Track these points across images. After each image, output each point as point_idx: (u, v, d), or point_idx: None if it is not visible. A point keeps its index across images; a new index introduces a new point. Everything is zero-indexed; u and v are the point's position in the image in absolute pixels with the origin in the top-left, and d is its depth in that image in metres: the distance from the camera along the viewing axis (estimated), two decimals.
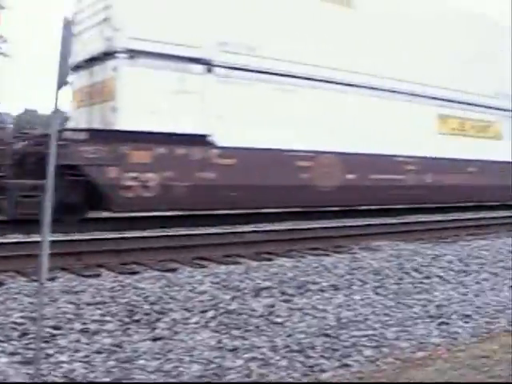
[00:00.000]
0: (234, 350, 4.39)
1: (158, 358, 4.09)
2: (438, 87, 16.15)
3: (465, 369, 4.12)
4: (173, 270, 6.80)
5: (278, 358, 4.32)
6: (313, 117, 13.00)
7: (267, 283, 6.13)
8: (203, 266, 7.12)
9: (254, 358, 4.25)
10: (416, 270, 7.31)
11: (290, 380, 3.97)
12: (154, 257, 7.60)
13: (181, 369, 3.94)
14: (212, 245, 8.31)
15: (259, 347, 4.47)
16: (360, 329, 5.07)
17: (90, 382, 3.71)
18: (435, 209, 15.95)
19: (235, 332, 4.79)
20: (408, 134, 14.86)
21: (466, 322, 5.61)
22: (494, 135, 18.59)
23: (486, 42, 17.45)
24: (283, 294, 5.88)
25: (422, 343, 4.96)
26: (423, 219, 12.20)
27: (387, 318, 5.43)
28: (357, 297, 5.99)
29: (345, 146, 13.54)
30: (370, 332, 5.01)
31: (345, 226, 10.25)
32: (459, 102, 17.05)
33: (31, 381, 3.62)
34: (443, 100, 16.52)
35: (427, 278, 7.10)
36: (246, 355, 4.29)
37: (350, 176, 13.74)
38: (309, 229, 9.75)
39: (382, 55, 14.49)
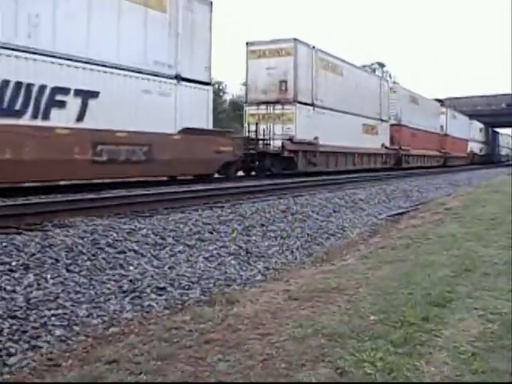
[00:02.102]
0: None
1: None
2: None
3: (155, 341, 4.24)
4: None
5: None
6: None
7: None
8: None
9: None
10: (110, 246, 7.23)
11: None
12: None
13: None
14: None
15: None
16: (50, 308, 5.05)
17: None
18: (136, 182, 15.99)
19: None
20: None
21: (160, 295, 5.85)
22: None
23: None
24: None
25: (114, 319, 5.13)
26: (122, 193, 12.22)
27: (79, 296, 5.50)
28: (48, 275, 5.85)
29: None
30: (61, 311, 5.03)
31: (39, 203, 9.84)
32: None
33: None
34: None
35: (122, 252, 7.08)
36: None
37: None
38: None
39: None
